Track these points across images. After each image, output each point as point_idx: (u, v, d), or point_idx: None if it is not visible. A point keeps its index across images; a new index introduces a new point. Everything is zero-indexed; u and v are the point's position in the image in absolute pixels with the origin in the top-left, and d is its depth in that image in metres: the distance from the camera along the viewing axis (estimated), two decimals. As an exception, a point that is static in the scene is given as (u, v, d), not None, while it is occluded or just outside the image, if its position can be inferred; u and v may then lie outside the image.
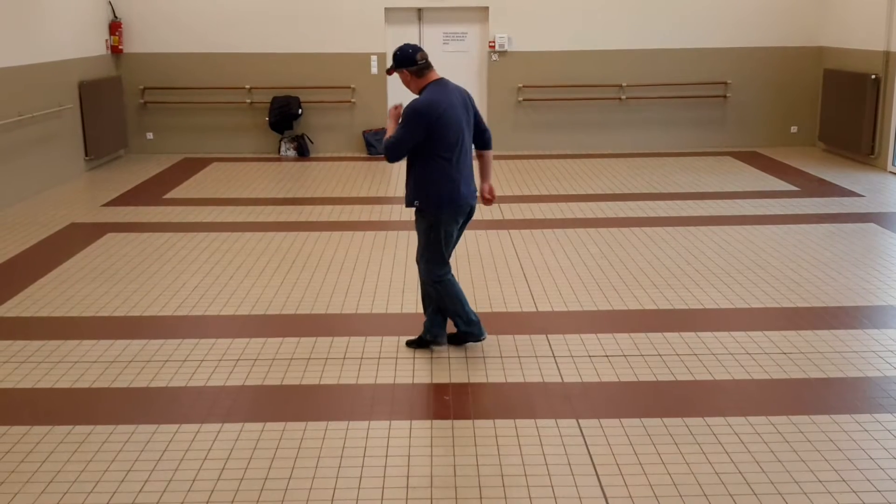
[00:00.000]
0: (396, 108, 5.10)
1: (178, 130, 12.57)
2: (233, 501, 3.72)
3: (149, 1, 12.22)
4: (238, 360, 5.22)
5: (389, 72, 5.11)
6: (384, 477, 3.90)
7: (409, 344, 5.40)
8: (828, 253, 7.29)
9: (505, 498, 3.73)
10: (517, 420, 4.41)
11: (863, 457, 4.04)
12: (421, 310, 5.56)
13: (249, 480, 3.88)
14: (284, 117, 12.26)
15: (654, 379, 4.91)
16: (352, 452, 4.12)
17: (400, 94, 12.48)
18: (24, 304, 6.24)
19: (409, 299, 6.25)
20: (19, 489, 3.83)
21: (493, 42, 12.39)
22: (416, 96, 5.12)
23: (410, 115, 4.98)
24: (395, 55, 5.09)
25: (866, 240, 7.73)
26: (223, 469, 3.98)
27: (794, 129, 12.71)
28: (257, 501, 3.72)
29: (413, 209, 5.18)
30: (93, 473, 3.95)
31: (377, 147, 12.33)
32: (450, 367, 5.08)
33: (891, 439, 4.20)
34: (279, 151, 12.47)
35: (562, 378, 4.93)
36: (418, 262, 5.29)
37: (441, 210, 5.07)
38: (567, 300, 6.24)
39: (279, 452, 4.12)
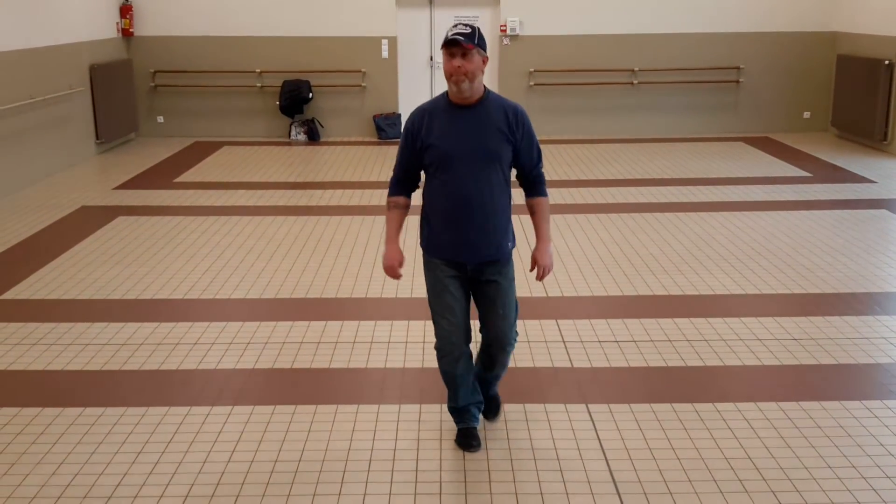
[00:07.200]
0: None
1: (189, 114, 12.58)
2: (243, 483, 3.74)
3: (159, -16, 12.23)
4: (248, 343, 5.23)
5: (466, 47, 3.56)
6: (394, 460, 3.92)
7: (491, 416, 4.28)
8: (839, 239, 7.25)
9: (514, 482, 3.74)
10: (527, 405, 4.42)
11: (873, 443, 4.03)
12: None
13: (259, 462, 3.90)
14: (295, 101, 12.24)
15: (664, 364, 4.90)
16: (361, 436, 4.13)
17: (411, 80, 12.54)
18: (36, 287, 6.27)
19: (418, 283, 6.24)
20: (30, 470, 3.86)
21: (505, 26, 12.32)
22: (479, 92, 3.70)
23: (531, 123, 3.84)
24: (478, 31, 3.65)
25: (878, 226, 7.69)
26: (233, 451, 4.00)
27: (806, 114, 12.63)
28: (267, 483, 3.74)
29: (494, 259, 3.83)
30: (103, 455, 3.97)
31: (387, 131, 12.30)
32: (459, 351, 5.07)
33: (901, 426, 4.19)
34: (290, 135, 12.46)
35: (571, 363, 4.92)
36: (500, 326, 3.87)
37: None
38: (577, 285, 6.23)
39: (289, 435, 4.14)
